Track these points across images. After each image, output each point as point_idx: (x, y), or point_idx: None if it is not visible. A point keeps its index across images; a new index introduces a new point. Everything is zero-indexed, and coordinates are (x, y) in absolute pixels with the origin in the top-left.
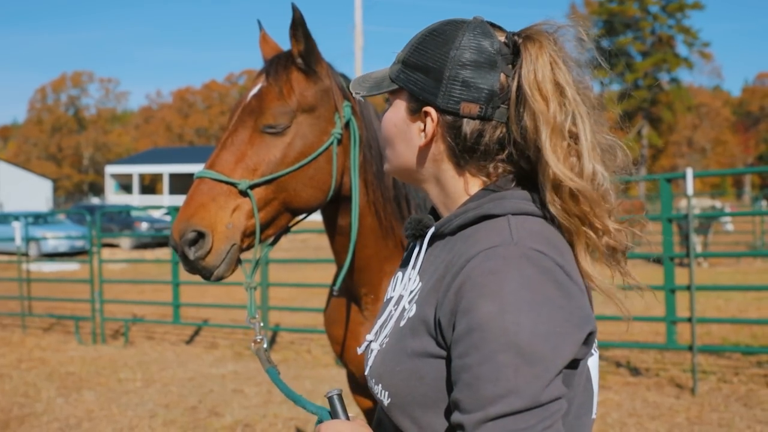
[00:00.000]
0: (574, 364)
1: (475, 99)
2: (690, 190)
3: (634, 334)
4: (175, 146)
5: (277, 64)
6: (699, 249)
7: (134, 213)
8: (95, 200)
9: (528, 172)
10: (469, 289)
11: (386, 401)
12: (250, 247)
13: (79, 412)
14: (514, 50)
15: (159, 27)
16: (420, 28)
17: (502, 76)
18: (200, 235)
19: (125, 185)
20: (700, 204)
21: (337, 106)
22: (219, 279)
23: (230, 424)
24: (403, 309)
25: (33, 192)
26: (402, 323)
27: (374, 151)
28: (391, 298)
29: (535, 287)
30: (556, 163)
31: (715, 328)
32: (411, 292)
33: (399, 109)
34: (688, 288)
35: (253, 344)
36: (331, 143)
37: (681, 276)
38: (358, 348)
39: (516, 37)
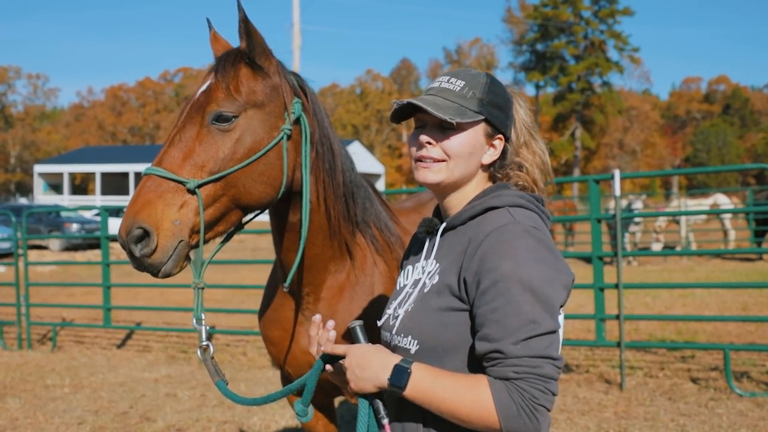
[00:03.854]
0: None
1: (511, 130)
2: (617, 191)
3: (565, 331)
4: (107, 145)
5: (225, 61)
6: (629, 248)
7: (64, 214)
8: (23, 200)
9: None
10: (490, 254)
11: (414, 349)
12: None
13: (2, 421)
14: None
15: (91, 21)
16: (358, 29)
17: None
18: (146, 233)
19: (55, 185)
20: (636, 204)
21: (286, 103)
22: (167, 275)
23: (162, 429)
24: (424, 284)
25: None
26: (426, 290)
27: (326, 148)
28: (405, 284)
29: (536, 251)
30: (535, 172)
31: (643, 325)
32: (429, 272)
33: (478, 134)
34: (616, 286)
35: (199, 350)
36: (281, 139)
37: (611, 275)
38: (378, 320)
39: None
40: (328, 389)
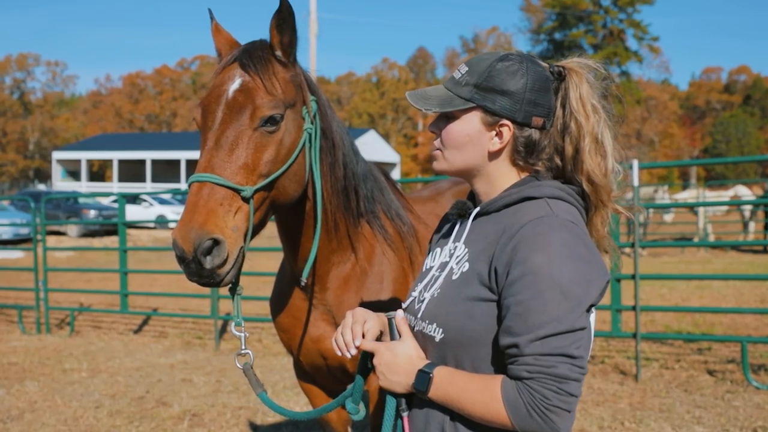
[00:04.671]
0: (589, 308)
1: (540, 114)
2: (636, 181)
3: None
4: (125, 132)
5: (253, 56)
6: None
7: (82, 200)
8: (41, 186)
9: (559, 168)
10: (523, 245)
11: (438, 337)
12: None
13: (21, 404)
14: (559, 77)
15: (109, 9)
16: (374, 17)
17: (553, 96)
18: (215, 243)
19: (73, 172)
20: (657, 194)
21: (306, 101)
22: (227, 284)
23: (178, 413)
24: (451, 269)
25: None
26: (454, 277)
27: (329, 143)
28: (432, 266)
29: (571, 246)
30: (590, 162)
31: (659, 316)
32: (457, 256)
33: (472, 122)
34: (633, 277)
35: (237, 358)
36: (305, 138)
37: (627, 265)
38: (402, 302)
39: (559, 68)
40: (339, 376)
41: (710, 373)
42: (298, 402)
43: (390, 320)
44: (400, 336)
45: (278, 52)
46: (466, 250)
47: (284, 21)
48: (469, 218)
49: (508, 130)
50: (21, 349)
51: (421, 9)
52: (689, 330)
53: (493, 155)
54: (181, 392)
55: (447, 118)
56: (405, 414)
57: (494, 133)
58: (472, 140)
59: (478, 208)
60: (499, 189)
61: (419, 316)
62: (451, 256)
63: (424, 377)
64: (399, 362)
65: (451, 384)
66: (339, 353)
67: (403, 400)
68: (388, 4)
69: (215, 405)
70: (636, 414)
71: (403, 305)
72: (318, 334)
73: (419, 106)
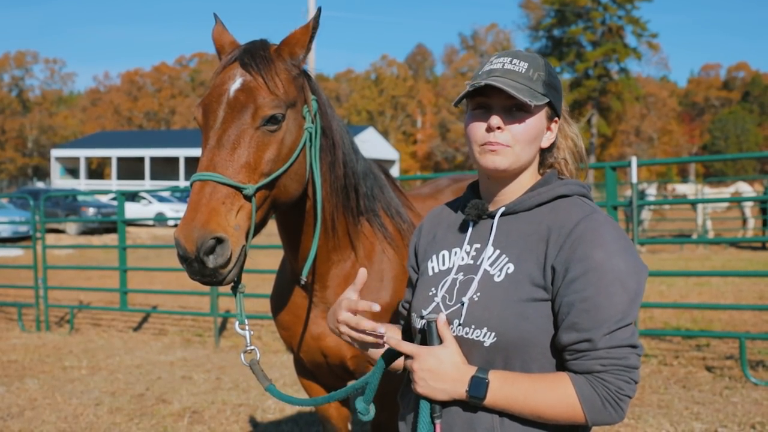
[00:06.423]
0: None
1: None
2: (635, 178)
3: None
4: (123, 130)
5: (255, 55)
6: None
7: (81, 198)
8: (40, 184)
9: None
10: (581, 243)
11: (489, 341)
12: None
13: (21, 401)
14: None
15: (107, 6)
16: (373, 14)
17: None
18: (218, 242)
19: (71, 169)
20: (650, 191)
21: (307, 100)
22: (230, 283)
23: (178, 410)
24: (486, 271)
25: None
26: (498, 279)
27: (329, 142)
28: (446, 269)
29: (621, 240)
30: (567, 157)
31: (658, 313)
32: (489, 258)
33: (542, 117)
34: None
35: (243, 355)
36: (306, 137)
37: None
38: (423, 310)
39: None
40: (339, 373)
41: (709, 369)
42: None
43: (429, 323)
44: (441, 341)
45: (292, 53)
46: (498, 251)
47: (314, 29)
48: (494, 219)
49: (556, 125)
50: (21, 346)
51: (420, 6)
52: (688, 326)
53: (537, 152)
54: (180, 389)
55: (512, 112)
56: (438, 422)
57: (547, 129)
58: (539, 136)
59: (503, 208)
60: (521, 188)
61: (460, 321)
62: (475, 258)
63: (480, 383)
64: (445, 369)
65: (513, 385)
66: (370, 338)
67: (438, 407)
68: (386, 1)
69: (215, 402)
70: (634, 410)
71: (423, 312)
72: (318, 332)
73: (521, 96)
